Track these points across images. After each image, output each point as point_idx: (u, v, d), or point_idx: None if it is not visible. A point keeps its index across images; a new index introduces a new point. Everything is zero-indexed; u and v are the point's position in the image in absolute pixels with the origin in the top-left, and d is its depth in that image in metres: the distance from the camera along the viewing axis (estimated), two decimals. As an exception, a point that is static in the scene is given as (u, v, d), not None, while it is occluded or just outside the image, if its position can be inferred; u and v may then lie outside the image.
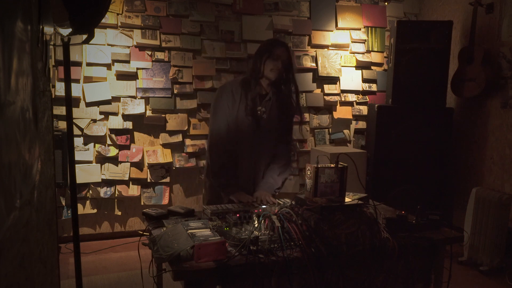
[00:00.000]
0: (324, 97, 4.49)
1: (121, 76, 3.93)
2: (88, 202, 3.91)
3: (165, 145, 4.08)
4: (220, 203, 2.20)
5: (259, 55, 2.33)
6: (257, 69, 2.32)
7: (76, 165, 3.51)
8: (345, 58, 4.54)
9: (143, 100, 3.97)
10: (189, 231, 1.61)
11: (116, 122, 3.92)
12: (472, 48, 3.89)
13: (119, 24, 3.87)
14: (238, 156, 2.41)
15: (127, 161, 3.96)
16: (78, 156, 3.78)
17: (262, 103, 2.36)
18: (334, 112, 4.57)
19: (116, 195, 3.95)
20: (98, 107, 3.85)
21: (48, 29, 1.62)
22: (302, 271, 1.59)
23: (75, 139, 3.77)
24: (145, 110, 3.98)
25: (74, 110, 3.70)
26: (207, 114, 4.12)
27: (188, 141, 4.12)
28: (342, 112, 4.59)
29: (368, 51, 4.61)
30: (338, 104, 4.57)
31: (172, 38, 4.01)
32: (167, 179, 4.10)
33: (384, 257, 1.71)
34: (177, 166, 4.08)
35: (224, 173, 2.36)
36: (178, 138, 4.09)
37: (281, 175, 2.47)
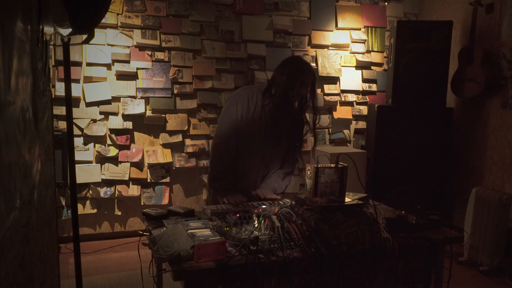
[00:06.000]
0: (324, 97, 4.49)
1: (121, 76, 3.93)
2: (88, 202, 3.91)
3: (165, 145, 4.08)
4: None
5: (291, 79, 2.24)
6: (285, 91, 2.26)
7: (76, 165, 3.51)
8: (345, 58, 4.54)
9: (143, 100, 3.97)
10: (189, 231, 1.61)
11: (116, 122, 3.92)
12: (472, 48, 3.90)
13: (119, 24, 3.87)
14: (245, 165, 2.38)
15: (127, 161, 3.96)
16: (78, 156, 3.78)
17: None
18: (334, 112, 4.57)
19: (116, 195, 3.95)
20: (98, 107, 3.85)
21: (48, 29, 1.62)
22: (302, 271, 1.59)
23: (75, 139, 3.77)
24: (145, 110, 3.98)
25: (74, 110, 3.70)
26: (207, 114, 4.12)
27: (188, 141, 4.12)
28: (342, 112, 4.59)
29: (368, 51, 4.61)
30: (338, 104, 4.57)
31: (172, 38, 4.01)
32: (167, 179, 4.10)
33: (384, 257, 1.71)
34: (177, 166, 4.08)
35: (222, 178, 2.34)
36: (178, 138, 4.09)
37: (284, 180, 2.48)
